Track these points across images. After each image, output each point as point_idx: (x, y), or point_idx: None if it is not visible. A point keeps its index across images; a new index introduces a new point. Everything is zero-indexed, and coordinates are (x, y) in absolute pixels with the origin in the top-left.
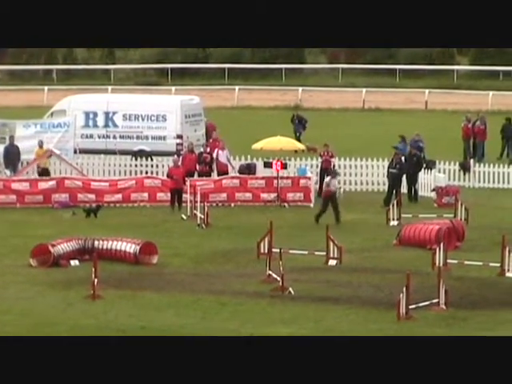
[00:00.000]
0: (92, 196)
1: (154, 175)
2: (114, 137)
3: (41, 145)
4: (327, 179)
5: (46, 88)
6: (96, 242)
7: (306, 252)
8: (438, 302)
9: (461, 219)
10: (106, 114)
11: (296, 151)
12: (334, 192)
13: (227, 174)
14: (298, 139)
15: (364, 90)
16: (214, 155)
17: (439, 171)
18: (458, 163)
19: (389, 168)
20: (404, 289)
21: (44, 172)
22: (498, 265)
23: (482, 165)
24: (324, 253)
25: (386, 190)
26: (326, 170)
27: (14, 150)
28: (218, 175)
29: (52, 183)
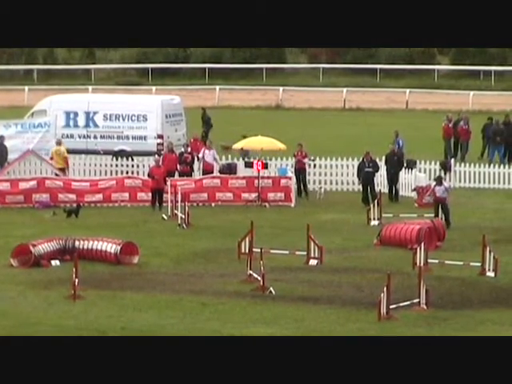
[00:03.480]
0: (73, 196)
1: (135, 175)
2: (95, 137)
3: (59, 143)
4: (435, 188)
5: (26, 88)
6: (77, 242)
7: (287, 252)
8: (419, 301)
9: (441, 219)
10: (87, 113)
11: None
12: (442, 198)
13: (212, 173)
14: (206, 136)
15: (345, 89)
16: (201, 155)
17: (420, 171)
18: (438, 163)
19: (363, 167)
20: (385, 289)
21: (60, 171)
22: (479, 264)
23: (462, 164)
24: (305, 253)
25: (362, 189)
26: (300, 171)
27: (3, 150)
28: (203, 174)
29: (33, 183)
